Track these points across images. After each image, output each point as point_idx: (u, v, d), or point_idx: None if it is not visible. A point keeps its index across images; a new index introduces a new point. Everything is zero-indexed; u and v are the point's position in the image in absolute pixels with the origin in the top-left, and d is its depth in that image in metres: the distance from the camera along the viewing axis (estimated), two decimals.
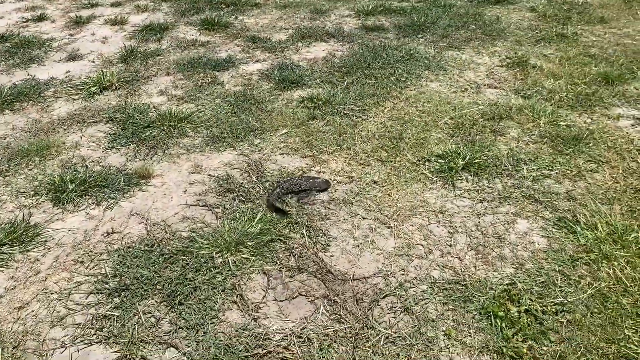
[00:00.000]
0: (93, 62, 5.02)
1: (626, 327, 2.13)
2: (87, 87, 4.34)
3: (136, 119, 3.77)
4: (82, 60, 5.08)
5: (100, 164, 3.33)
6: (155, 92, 4.28)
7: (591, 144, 3.29)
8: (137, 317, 2.26)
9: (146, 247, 2.61)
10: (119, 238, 2.71)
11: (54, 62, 5.07)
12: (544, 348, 2.06)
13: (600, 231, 2.59)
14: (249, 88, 4.17)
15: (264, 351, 2.10)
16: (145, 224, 2.79)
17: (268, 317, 2.27)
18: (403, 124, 3.60)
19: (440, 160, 3.19)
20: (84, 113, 3.97)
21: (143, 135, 3.58)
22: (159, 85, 4.38)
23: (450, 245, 2.60)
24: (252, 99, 3.97)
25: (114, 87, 4.37)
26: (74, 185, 3.05)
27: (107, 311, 2.29)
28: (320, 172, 3.15)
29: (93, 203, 2.98)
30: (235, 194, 2.95)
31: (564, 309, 2.22)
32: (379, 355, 2.06)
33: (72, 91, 4.35)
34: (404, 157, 3.26)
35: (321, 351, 2.09)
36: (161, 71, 4.66)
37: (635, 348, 2.05)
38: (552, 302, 2.24)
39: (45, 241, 2.71)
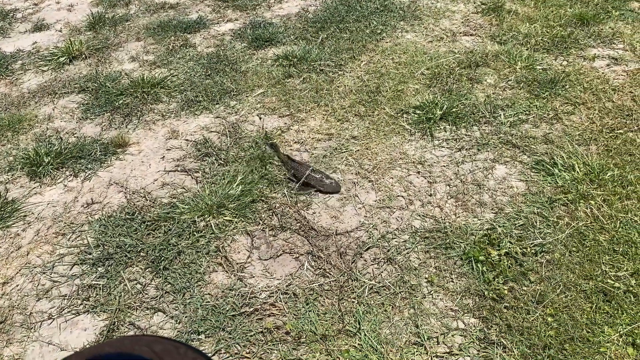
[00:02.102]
0: (60, 31, 4.86)
1: (603, 263, 2.19)
2: (56, 57, 4.22)
3: (108, 87, 3.69)
4: (49, 30, 4.91)
5: (75, 135, 3.27)
6: (127, 58, 4.17)
7: (567, 86, 3.29)
8: (122, 284, 2.26)
9: (127, 216, 2.60)
10: (99, 208, 2.69)
11: (19, 33, 4.90)
12: (525, 288, 2.12)
13: (578, 172, 2.63)
14: (222, 49, 4.09)
15: (251, 309, 2.13)
16: (125, 193, 2.77)
17: (254, 276, 2.29)
18: (380, 77, 3.56)
19: (418, 112, 3.18)
20: (55, 84, 3.87)
21: (117, 104, 3.50)
22: (129, 52, 4.27)
23: (431, 195, 2.62)
24: (225, 60, 3.90)
25: (83, 56, 4.25)
26: (49, 158, 3.00)
27: (92, 281, 2.29)
28: (299, 130, 3.13)
29: (70, 175, 2.94)
30: (213, 158, 2.93)
31: (543, 249, 2.26)
32: (364, 305, 2.10)
33: (41, 62, 4.22)
34: (382, 110, 3.25)
35: (307, 305, 2.12)
36: (131, 37, 4.53)
37: (612, 282, 2.11)
38: (531, 243, 2.29)
39: (25, 216, 2.68)
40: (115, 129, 3.31)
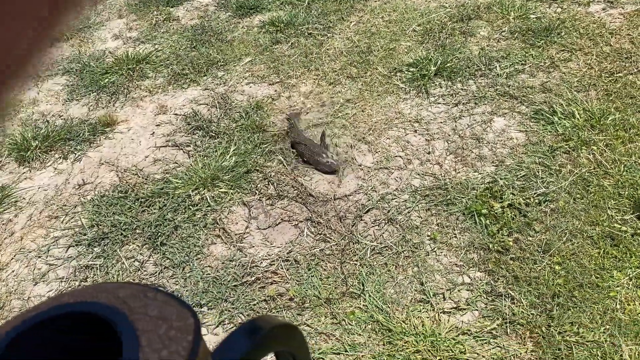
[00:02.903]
0: None
1: (609, 207, 2.14)
2: None
3: (92, 67, 3.59)
4: None
5: (62, 117, 3.19)
6: (110, 37, 4.06)
7: (563, 33, 3.19)
8: (120, 263, 2.22)
9: (120, 194, 2.54)
10: (91, 188, 2.63)
11: None
12: (530, 239, 2.07)
13: (578, 118, 2.56)
14: (206, 20, 3.97)
15: (253, 278, 2.09)
16: (117, 171, 2.71)
17: (253, 246, 2.24)
18: (370, 36, 3.46)
19: (411, 69, 3.09)
20: (37, 68, 3.76)
21: (102, 83, 3.41)
22: (112, 30, 4.15)
23: (429, 153, 2.56)
24: (210, 31, 3.79)
25: (65, 37, 4.13)
26: (37, 142, 2.93)
27: (88, 262, 2.25)
28: (290, 96, 3.05)
29: (60, 157, 2.87)
30: (204, 130, 2.86)
31: (547, 198, 2.21)
32: (366, 267, 2.06)
33: None
34: (375, 70, 3.16)
35: (309, 271, 2.08)
36: (113, 15, 4.40)
37: (619, 226, 2.06)
38: (534, 193, 2.23)
39: (16, 201, 2.62)
40: (103, 108, 3.22)
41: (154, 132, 2.94)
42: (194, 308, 1.86)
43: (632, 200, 2.14)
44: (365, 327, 1.86)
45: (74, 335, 0.40)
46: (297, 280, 2.05)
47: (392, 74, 3.11)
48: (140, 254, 2.25)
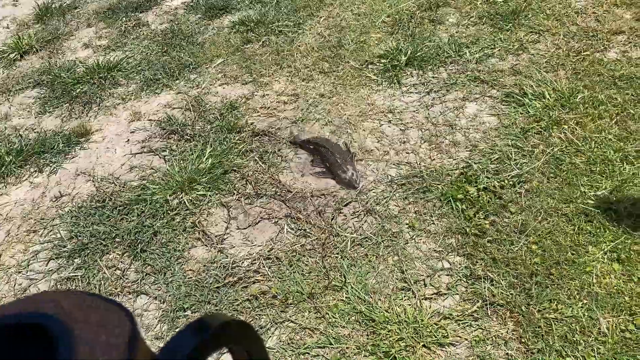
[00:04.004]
0: (7, 27, 4.66)
1: (582, 184, 2.17)
2: (6, 54, 4.05)
3: (64, 77, 3.55)
4: None
5: (35, 131, 3.16)
6: (80, 46, 4.02)
7: (530, 16, 3.22)
8: (101, 272, 2.21)
9: (98, 204, 2.53)
10: (68, 200, 2.61)
11: None
12: (506, 220, 2.10)
13: (548, 98, 2.59)
14: (176, 23, 3.95)
15: (235, 278, 2.09)
16: (93, 181, 2.69)
17: (234, 247, 2.24)
18: (340, 30, 3.47)
19: (383, 61, 3.11)
20: (8, 82, 3.72)
21: (74, 93, 3.38)
22: (82, 39, 4.11)
23: (404, 142, 2.57)
24: (181, 34, 3.77)
25: (34, 49, 4.08)
26: (11, 157, 2.90)
27: (69, 273, 2.23)
28: (264, 95, 3.05)
29: (35, 171, 2.85)
30: (179, 134, 2.85)
31: (521, 180, 2.24)
32: (348, 259, 2.07)
33: None
34: (347, 64, 3.17)
35: (291, 267, 2.09)
36: (82, 24, 4.36)
37: (593, 202, 2.09)
38: (508, 175, 2.26)
39: None
40: (76, 118, 3.20)
41: (129, 140, 2.93)
42: (177, 313, 1.85)
43: (604, 176, 2.18)
44: (349, 318, 1.87)
45: (10, 347, 0.40)
46: (280, 278, 2.06)
47: (363, 66, 3.12)
48: (121, 262, 2.24)
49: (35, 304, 0.42)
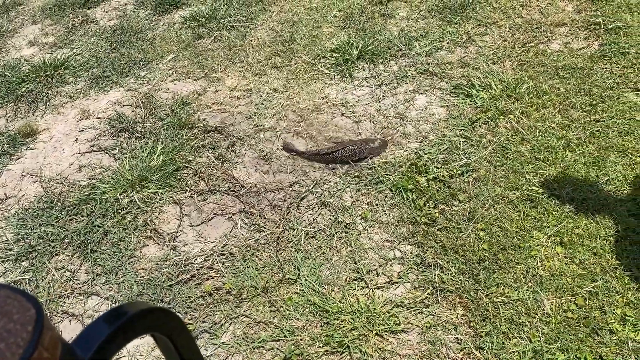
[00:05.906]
0: None
1: (527, 172, 2.24)
2: None
3: (8, 76, 3.43)
4: None
5: None
6: (25, 44, 3.89)
7: (477, 9, 3.30)
8: (50, 275, 2.15)
9: (46, 205, 2.46)
10: (14, 202, 2.53)
11: None
12: (455, 208, 2.15)
13: (495, 89, 2.66)
14: (126, 19, 3.86)
15: (188, 276, 2.07)
16: (41, 182, 2.61)
17: (187, 244, 2.22)
18: (293, 25, 3.47)
19: (335, 55, 3.12)
20: None
21: (19, 92, 3.27)
22: (27, 36, 3.98)
23: (358, 134, 2.59)
24: (130, 30, 3.69)
25: None
26: None
27: (17, 277, 2.17)
28: (216, 91, 3.02)
29: None
30: (129, 132, 2.79)
31: (469, 169, 2.29)
32: (302, 252, 2.08)
33: None
34: (299, 58, 3.17)
35: (245, 262, 2.08)
36: (27, 21, 4.22)
37: (537, 189, 2.16)
38: (457, 165, 2.31)
39: None
40: (22, 118, 3.10)
41: (77, 139, 2.86)
42: None
43: (548, 163, 2.25)
44: (303, 310, 1.88)
45: None
46: (234, 273, 2.05)
47: (316, 60, 3.13)
48: (71, 263, 2.19)
49: None
